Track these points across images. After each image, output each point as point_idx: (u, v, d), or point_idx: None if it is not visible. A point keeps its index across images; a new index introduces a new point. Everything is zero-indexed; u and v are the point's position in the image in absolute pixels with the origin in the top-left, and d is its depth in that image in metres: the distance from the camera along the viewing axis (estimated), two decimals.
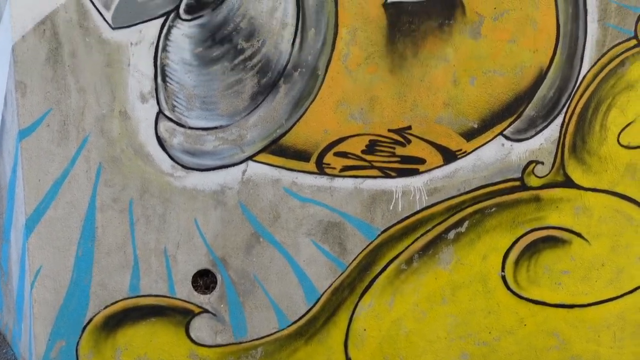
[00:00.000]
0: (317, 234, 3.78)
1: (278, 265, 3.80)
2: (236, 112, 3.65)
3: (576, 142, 3.84)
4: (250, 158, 3.70)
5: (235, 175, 3.69)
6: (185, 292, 3.77)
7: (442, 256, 3.84)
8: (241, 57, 3.62)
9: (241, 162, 3.70)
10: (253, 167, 3.71)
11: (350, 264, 3.78)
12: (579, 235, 3.89)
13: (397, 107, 3.70)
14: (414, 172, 3.78)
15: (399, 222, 3.77)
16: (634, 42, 3.83)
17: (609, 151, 3.85)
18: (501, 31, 3.75)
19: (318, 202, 3.73)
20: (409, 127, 3.75)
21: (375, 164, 3.71)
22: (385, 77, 3.68)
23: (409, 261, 3.83)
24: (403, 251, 3.81)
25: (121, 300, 3.73)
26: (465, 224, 3.83)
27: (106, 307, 3.73)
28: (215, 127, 3.65)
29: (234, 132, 3.66)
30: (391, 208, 3.77)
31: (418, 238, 3.81)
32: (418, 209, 3.79)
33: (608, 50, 3.82)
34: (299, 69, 3.65)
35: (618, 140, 3.85)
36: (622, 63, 3.83)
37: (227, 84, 3.63)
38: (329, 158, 3.69)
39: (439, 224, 3.82)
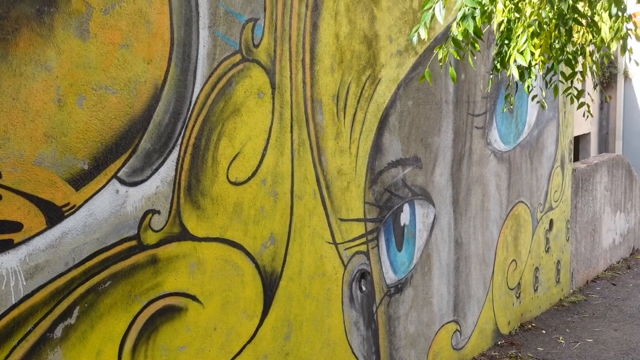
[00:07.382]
0: None
1: None
2: None
3: (191, 182, 2.99)
4: None
5: None
6: None
7: None
8: None
9: None
10: None
11: None
12: (194, 298, 3.05)
13: None
14: (7, 246, 2.36)
15: None
16: (239, 57, 3.17)
17: (219, 190, 3.13)
18: (112, 31, 2.63)
19: None
20: None
21: None
22: None
23: None
24: None
25: None
26: (76, 311, 2.58)
27: None
28: None
29: None
30: None
31: (14, 349, 2.40)
32: (14, 302, 2.39)
33: (218, 65, 3.07)
34: None
35: (227, 176, 3.16)
36: (229, 82, 3.14)
37: None
38: None
39: (43, 319, 2.48)
